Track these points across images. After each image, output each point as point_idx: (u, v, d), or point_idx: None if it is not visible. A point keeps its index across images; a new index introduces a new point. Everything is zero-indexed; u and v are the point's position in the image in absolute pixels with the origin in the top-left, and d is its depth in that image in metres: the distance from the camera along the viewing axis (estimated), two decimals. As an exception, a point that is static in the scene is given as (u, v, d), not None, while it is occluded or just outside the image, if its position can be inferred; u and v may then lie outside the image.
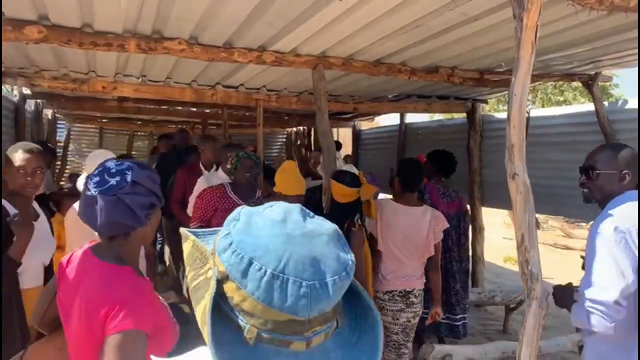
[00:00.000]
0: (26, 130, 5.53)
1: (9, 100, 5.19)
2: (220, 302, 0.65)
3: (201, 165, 4.31)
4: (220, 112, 6.76)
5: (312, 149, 8.89)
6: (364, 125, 9.20)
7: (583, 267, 1.92)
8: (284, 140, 11.00)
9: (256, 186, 3.52)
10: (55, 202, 3.78)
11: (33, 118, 6.26)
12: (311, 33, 2.90)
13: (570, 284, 2.04)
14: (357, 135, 8.75)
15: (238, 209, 0.71)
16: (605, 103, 4.31)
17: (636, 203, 1.83)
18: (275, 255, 0.62)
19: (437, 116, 10.14)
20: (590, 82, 4.23)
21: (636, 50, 3.28)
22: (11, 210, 2.21)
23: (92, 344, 1.21)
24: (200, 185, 3.78)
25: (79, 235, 2.75)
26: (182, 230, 0.77)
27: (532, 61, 1.78)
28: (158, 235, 5.87)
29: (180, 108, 6.98)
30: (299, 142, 10.24)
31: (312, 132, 9.51)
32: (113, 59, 3.71)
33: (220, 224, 0.72)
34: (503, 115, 6.03)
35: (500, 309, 5.20)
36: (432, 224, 3.02)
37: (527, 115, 1.97)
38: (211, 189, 3.23)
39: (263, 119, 5.35)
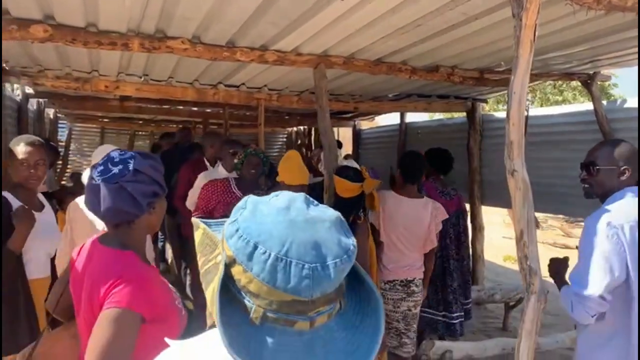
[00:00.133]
0: (29, 130, 5.56)
1: (12, 100, 5.22)
2: (228, 284, 0.69)
3: (206, 162, 4.35)
4: (221, 111, 6.79)
5: (313, 148, 8.93)
6: (364, 124, 9.23)
7: None
8: (285, 139, 11.04)
9: (260, 183, 3.55)
10: (58, 200, 3.82)
11: (35, 117, 6.30)
12: (313, 32, 2.93)
13: (566, 258, 2.14)
14: (357, 134, 8.78)
15: (245, 197, 0.75)
16: (604, 102, 4.35)
17: (635, 199, 1.87)
18: (278, 240, 0.66)
19: (437, 116, 10.17)
20: (589, 81, 4.26)
21: (634, 50, 3.32)
22: (14, 202, 2.25)
23: None
24: (200, 181, 3.80)
25: (81, 224, 2.79)
26: (194, 219, 0.81)
27: (531, 60, 1.82)
28: (160, 234, 5.90)
29: (181, 107, 7.01)
30: (299, 141, 10.27)
31: (313, 132, 9.55)
32: (116, 58, 3.74)
33: (221, 217, 0.76)
34: (502, 114, 6.06)
35: (499, 307, 5.23)
36: (434, 215, 3.12)
37: (526, 113, 2.00)
38: (216, 181, 3.28)
39: (264, 118, 5.38)
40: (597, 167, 1.98)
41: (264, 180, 3.91)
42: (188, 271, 4.62)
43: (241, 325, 0.67)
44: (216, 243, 0.74)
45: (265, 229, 0.67)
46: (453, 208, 4.03)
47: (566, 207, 4.62)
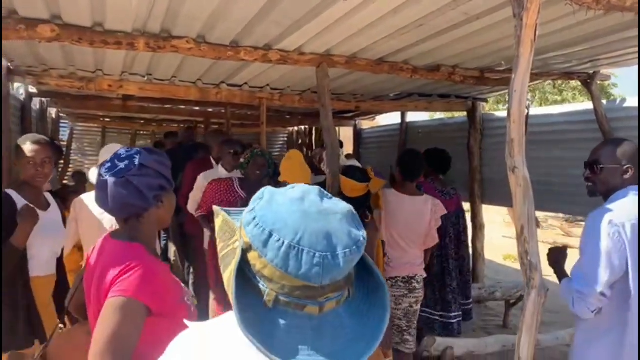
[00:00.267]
0: (32, 129, 5.58)
1: (16, 99, 5.25)
2: (244, 269, 0.73)
3: (212, 160, 4.37)
4: (223, 111, 6.82)
5: (314, 147, 8.95)
6: (365, 124, 9.26)
7: None
8: (285, 139, 11.08)
9: (264, 184, 3.58)
10: (61, 199, 3.85)
11: (38, 117, 6.32)
12: (316, 32, 2.97)
13: (565, 247, 2.21)
14: (358, 134, 8.81)
15: (263, 188, 0.79)
16: (604, 101, 4.38)
17: (636, 198, 1.91)
18: (292, 229, 0.70)
19: (437, 115, 10.19)
20: (588, 80, 4.29)
21: (634, 49, 3.35)
22: (19, 200, 2.29)
23: None
24: (200, 182, 3.83)
25: (88, 221, 2.83)
26: (215, 208, 0.85)
27: (532, 59, 1.85)
28: (162, 233, 5.93)
29: (183, 107, 7.04)
30: (300, 141, 10.30)
31: (313, 131, 9.58)
32: (121, 57, 3.78)
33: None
34: (503, 114, 6.09)
35: (500, 305, 5.27)
36: (434, 211, 3.18)
37: (526, 111, 2.04)
38: (220, 181, 3.31)
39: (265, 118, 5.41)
40: (601, 166, 2.02)
41: (267, 181, 3.94)
42: (191, 270, 4.64)
43: (255, 307, 0.71)
44: (234, 230, 0.79)
45: (280, 218, 0.72)
46: (453, 207, 4.06)
47: (566, 206, 4.65)
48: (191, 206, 3.87)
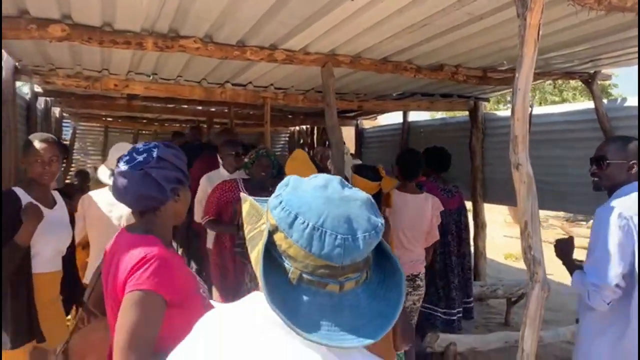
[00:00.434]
0: (37, 129, 5.62)
1: (22, 98, 5.28)
2: (270, 249, 0.79)
3: (219, 159, 4.39)
4: (226, 110, 6.86)
5: (315, 146, 8.99)
6: (366, 124, 9.30)
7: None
8: (287, 138, 11.12)
9: (268, 184, 3.60)
10: (67, 196, 3.89)
11: (42, 116, 6.36)
12: (322, 32, 3.01)
13: (571, 237, 2.25)
14: (360, 133, 8.85)
15: (288, 177, 0.85)
16: (605, 101, 4.42)
17: None
18: (316, 212, 0.76)
19: (439, 115, 10.24)
20: (589, 80, 4.33)
21: (634, 49, 3.39)
22: (24, 198, 2.31)
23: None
24: (202, 185, 3.83)
25: (96, 219, 2.86)
26: (242, 194, 0.92)
27: (535, 58, 1.90)
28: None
29: (186, 106, 7.08)
30: (302, 140, 10.35)
31: (315, 131, 9.62)
32: (128, 57, 3.82)
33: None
34: (504, 113, 6.14)
35: (502, 303, 5.31)
36: (434, 208, 3.25)
37: (530, 110, 2.09)
38: (224, 183, 3.34)
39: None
40: (608, 162, 2.09)
41: (271, 181, 3.97)
42: (195, 268, 4.65)
43: (280, 284, 0.77)
44: (261, 214, 0.84)
45: (305, 202, 0.78)
46: (455, 205, 4.10)
47: (567, 204, 4.70)
48: (198, 215, 3.77)
